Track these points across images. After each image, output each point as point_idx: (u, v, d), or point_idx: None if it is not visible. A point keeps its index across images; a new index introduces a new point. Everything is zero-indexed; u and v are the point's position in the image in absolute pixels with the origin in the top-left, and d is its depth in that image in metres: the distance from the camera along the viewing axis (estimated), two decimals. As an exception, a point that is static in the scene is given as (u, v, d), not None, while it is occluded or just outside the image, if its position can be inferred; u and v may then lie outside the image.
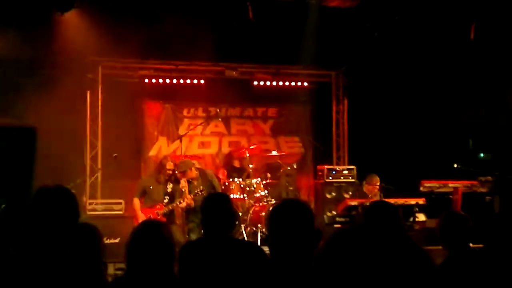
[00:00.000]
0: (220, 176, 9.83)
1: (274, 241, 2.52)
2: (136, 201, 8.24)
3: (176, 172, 8.31)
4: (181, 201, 8.06)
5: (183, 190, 8.11)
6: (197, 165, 8.96)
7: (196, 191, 7.99)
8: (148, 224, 3.17)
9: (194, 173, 8.24)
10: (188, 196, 8.04)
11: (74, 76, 9.51)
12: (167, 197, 8.23)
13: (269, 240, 2.55)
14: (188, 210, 8.26)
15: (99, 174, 10.32)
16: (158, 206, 8.16)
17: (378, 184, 9.12)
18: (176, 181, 8.29)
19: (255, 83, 11.48)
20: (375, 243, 1.22)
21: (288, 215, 2.55)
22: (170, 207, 8.10)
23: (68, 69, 9.21)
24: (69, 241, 2.54)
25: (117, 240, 7.34)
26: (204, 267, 3.47)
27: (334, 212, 9.17)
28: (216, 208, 3.66)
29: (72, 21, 8.85)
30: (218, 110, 10.54)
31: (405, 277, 1.20)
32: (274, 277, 2.44)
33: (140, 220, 7.28)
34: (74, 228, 2.56)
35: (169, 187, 8.29)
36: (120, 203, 8.52)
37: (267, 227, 2.66)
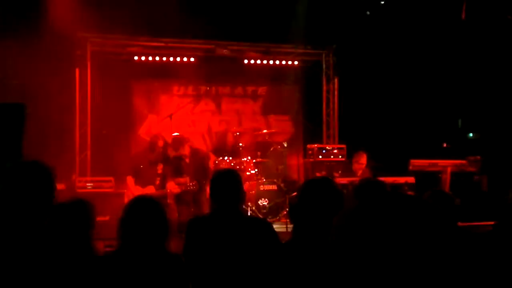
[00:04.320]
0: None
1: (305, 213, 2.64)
2: (130, 180, 8.16)
3: (168, 148, 8.25)
4: (172, 190, 8.03)
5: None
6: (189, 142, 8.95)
7: (187, 184, 7.93)
8: (142, 199, 3.16)
9: (186, 150, 8.20)
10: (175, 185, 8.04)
11: (63, 53, 9.42)
12: (158, 178, 8.20)
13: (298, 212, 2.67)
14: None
15: (88, 152, 10.28)
16: (150, 188, 8.11)
17: (365, 161, 9.13)
18: (167, 161, 8.23)
19: (246, 61, 11.42)
20: (392, 210, 1.24)
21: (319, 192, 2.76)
22: (162, 192, 8.05)
23: (57, 45, 9.11)
24: (47, 215, 2.52)
25: (107, 218, 7.32)
26: (213, 241, 3.52)
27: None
28: (226, 182, 3.69)
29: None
30: (208, 89, 10.44)
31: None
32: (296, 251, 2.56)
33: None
34: (49, 202, 2.52)
35: (160, 168, 8.25)
36: (110, 181, 8.48)
37: (299, 199, 2.79)
